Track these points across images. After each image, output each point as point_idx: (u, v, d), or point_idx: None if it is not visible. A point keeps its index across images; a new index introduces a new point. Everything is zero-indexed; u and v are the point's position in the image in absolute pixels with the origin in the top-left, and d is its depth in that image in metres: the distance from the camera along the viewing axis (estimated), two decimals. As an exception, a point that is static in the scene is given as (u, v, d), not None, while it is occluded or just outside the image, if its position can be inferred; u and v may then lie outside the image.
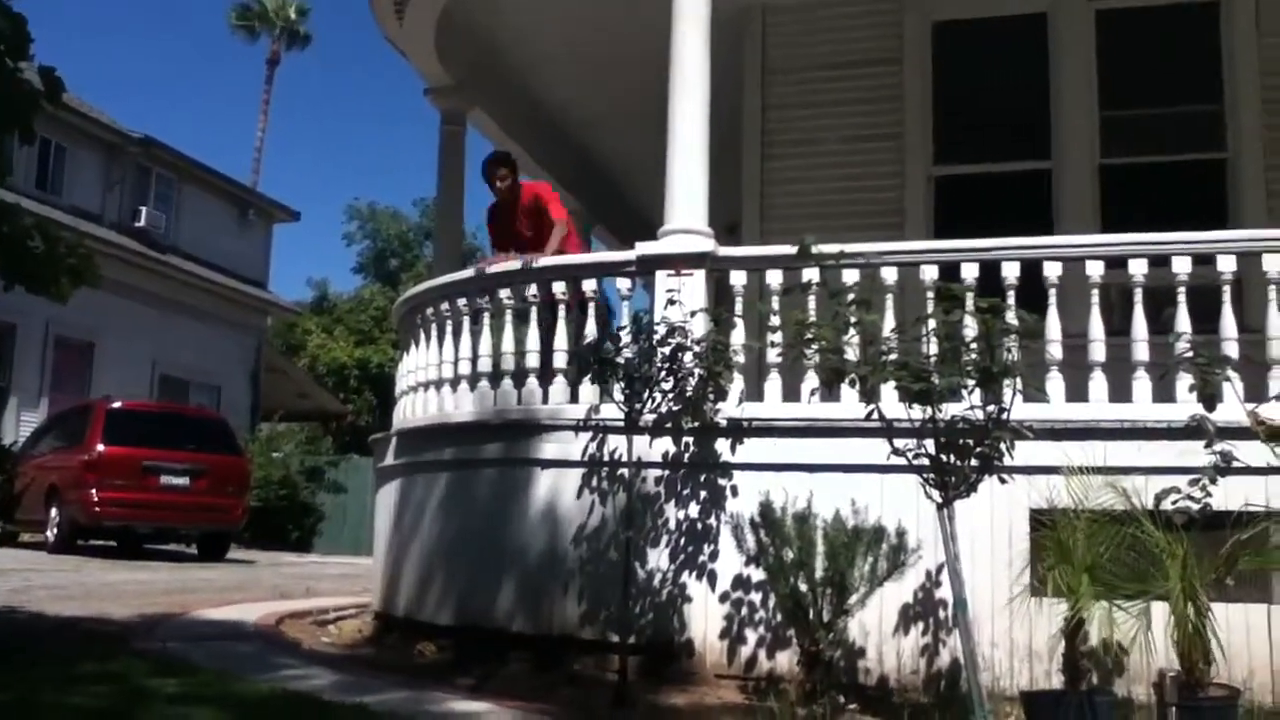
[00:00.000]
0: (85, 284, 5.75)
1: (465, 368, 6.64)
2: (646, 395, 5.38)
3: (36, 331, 19.45)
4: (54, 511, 14.53)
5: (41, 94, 5.18)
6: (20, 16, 4.93)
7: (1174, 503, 4.30)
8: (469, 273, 7.04)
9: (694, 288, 5.88)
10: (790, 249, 5.00)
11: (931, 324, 4.67)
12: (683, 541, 5.66)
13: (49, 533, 14.57)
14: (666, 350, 5.34)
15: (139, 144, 22.49)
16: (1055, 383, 5.38)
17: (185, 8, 71.37)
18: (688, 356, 5.38)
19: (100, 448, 14.37)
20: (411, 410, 7.23)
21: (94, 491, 14.04)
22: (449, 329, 6.83)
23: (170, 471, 14.78)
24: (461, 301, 6.74)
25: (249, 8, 41.22)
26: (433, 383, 6.94)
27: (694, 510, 5.67)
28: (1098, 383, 5.42)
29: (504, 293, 6.50)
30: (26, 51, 5.11)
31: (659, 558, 5.67)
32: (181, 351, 22.77)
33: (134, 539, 15.25)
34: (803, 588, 4.99)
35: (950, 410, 4.35)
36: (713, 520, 5.62)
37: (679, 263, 5.92)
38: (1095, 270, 5.51)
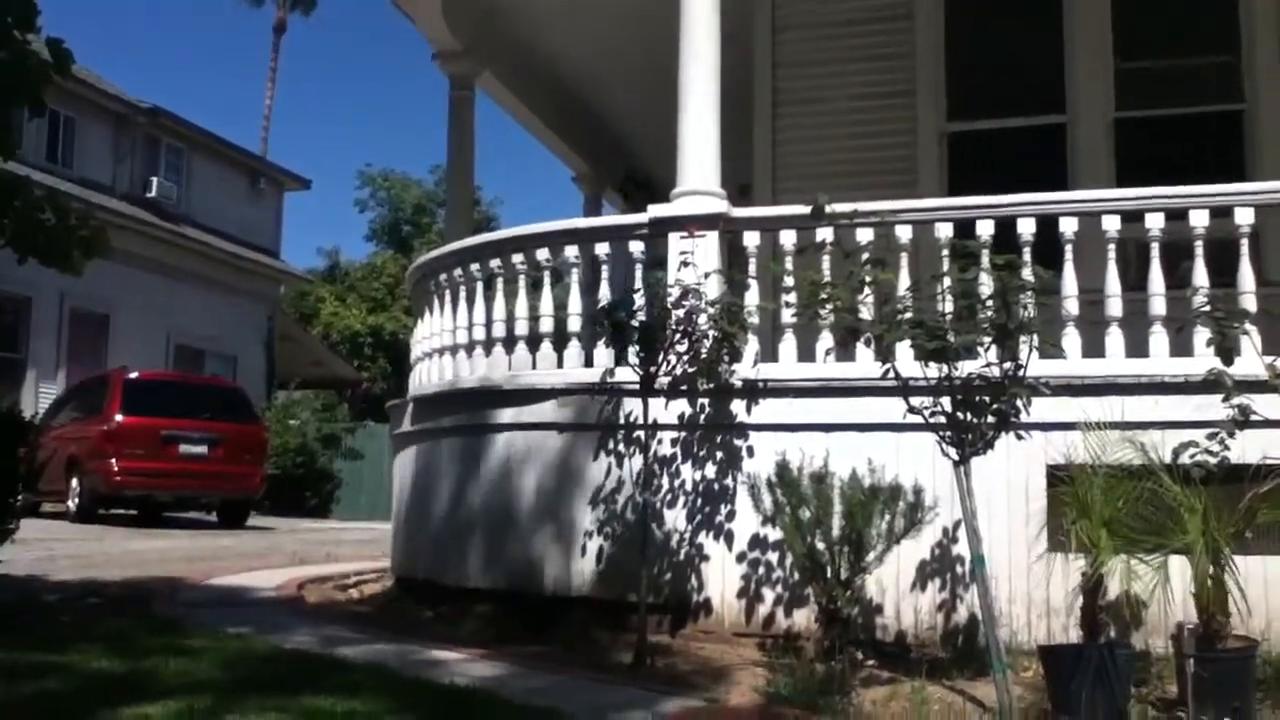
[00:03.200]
0: (97, 256, 5.78)
1: (480, 333, 6.65)
2: (661, 358, 5.38)
3: (52, 304, 19.52)
4: (75, 482, 14.68)
5: (50, 66, 5.19)
6: (27, -12, 4.93)
7: (1192, 457, 4.29)
8: (482, 238, 7.03)
9: (707, 249, 5.87)
10: (804, 209, 4.97)
11: (947, 282, 4.65)
12: (699, 502, 5.69)
13: (70, 503, 14.72)
14: (680, 313, 5.33)
15: (148, 114, 22.44)
16: (1072, 339, 5.37)
17: (189, -24, 70.92)
18: (702, 318, 5.37)
19: (119, 418, 14.49)
20: (427, 376, 7.26)
21: (114, 461, 14.18)
22: (463, 294, 6.83)
23: (188, 440, 14.91)
24: (475, 267, 6.74)
25: (254, -26, 40.87)
26: (447, 348, 6.96)
27: (710, 471, 5.69)
28: (1114, 338, 5.40)
29: (516, 257, 6.50)
30: (34, 24, 5.11)
31: (676, 518, 5.69)
32: (196, 321, 22.84)
33: (154, 507, 15.41)
34: (820, 546, 5.01)
35: (966, 368, 4.33)
36: (729, 481, 5.64)
37: (692, 224, 5.90)
38: (1111, 225, 5.48)
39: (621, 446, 5.85)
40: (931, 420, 4.41)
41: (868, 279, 4.63)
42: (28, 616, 5.57)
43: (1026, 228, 5.49)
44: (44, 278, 7.00)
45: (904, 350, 4.57)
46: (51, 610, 5.92)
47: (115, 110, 22.02)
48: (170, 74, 70.62)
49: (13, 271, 5.98)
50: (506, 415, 6.28)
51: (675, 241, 5.94)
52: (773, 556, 5.50)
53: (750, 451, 5.62)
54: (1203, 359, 4.72)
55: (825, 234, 5.48)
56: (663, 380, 5.47)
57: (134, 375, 15.48)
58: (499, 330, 6.54)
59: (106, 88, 22.10)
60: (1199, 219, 5.39)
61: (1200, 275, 5.24)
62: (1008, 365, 4.28)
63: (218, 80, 74.36)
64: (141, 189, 22.24)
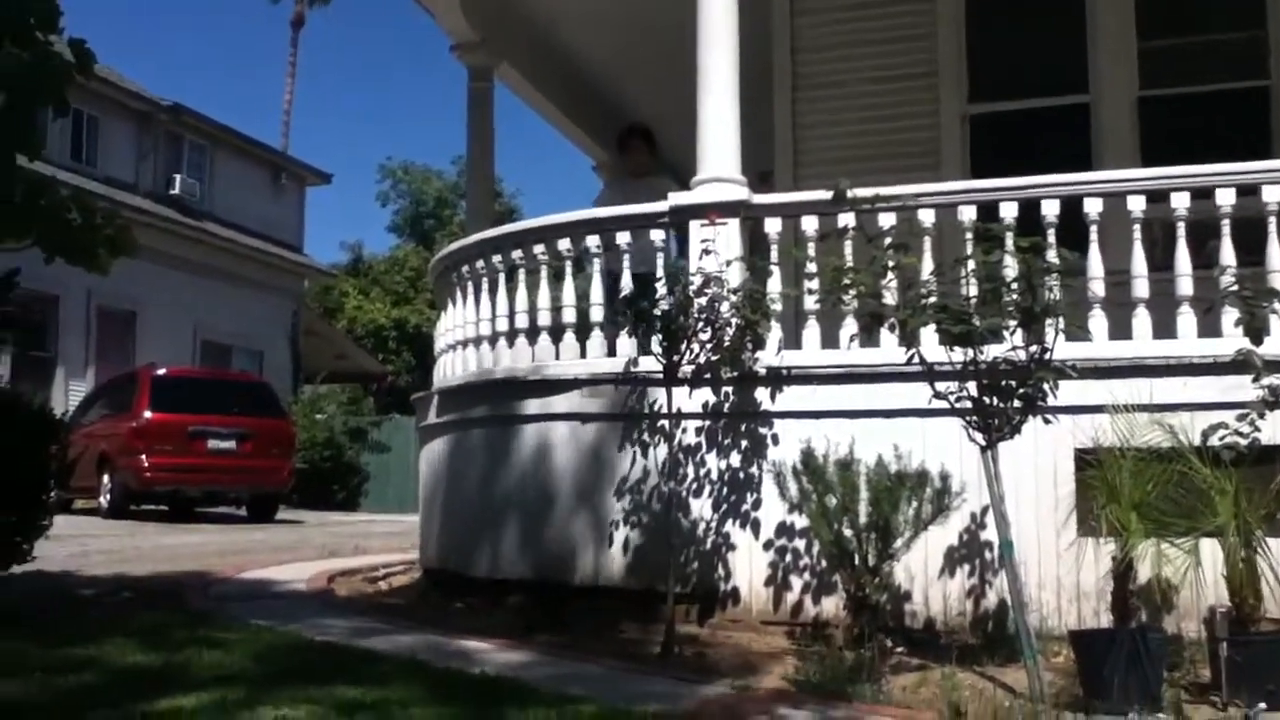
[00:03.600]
0: (123, 254, 5.81)
1: (503, 324, 6.66)
2: (684, 347, 5.38)
3: (79, 303, 19.71)
4: (106, 478, 14.84)
5: (73, 66, 5.22)
6: (50, -10, 4.96)
7: (1222, 438, 4.26)
8: (503, 229, 7.03)
9: (729, 237, 5.85)
10: (825, 194, 4.95)
11: (971, 265, 4.62)
12: (725, 491, 5.68)
13: (101, 499, 14.88)
14: (703, 301, 5.32)
15: (169, 112, 22.60)
16: (1098, 321, 5.32)
17: (208, -28, 71.23)
18: (724, 306, 5.36)
19: (148, 414, 14.63)
20: (451, 368, 7.28)
21: (144, 457, 14.33)
22: (485, 286, 6.84)
23: (217, 436, 15.04)
24: (497, 258, 6.75)
25: (271, -31, 40.98)
26: (471, 340, 6.97)
27: (735, 459, 5.68)
28: (1141, 319, 5.35)
29: (538, 248, 6.50)
30: (57, 24, 5.14)
31: (702, 507, 5.70)
32: (222, 317, 23.02)
33: (184, 503, 15.55)
34: (847, 533, 4.99)
35: (992, 352, 4.31)
36: (754, 469, 5.64)
37: (713, 212, 5.88)
38: (1137, 205, 5.42)
39: (646, 436, 5.85)
40: (957, 405, 4.38)
41: (891, 264, 4.61)
42: (63, 611, 5.64)
43: (1050, 209, 5.44)
44: (71, 276, 7.05)
45: (928, 335, 4.55)
46: (86, 604, 5.99)
47: (137, 108, 22.19)
48: (190, 71, 71.04)
49: (40, 270, 6.03)
50: (531, 406, 6.29)
51: (696, 229, 5.93)
52: (800, 544, 5.49)
53: (775, 439, 5.61)
54: (1231, 339, 4.67)
55: (847, 219, 5.45)
56: (686, 369, 5.46)
57: (162, 372, 15.62)
58: (522, 321, 6.55)
59: (129, 86, 22.26)
60: (1225, 197, 5.33)
61: (1228, 254, 5.18)
62: (1034, 348, 4.26)
63: (237, 76, 74.76)
64: (165, 186, 22.42)
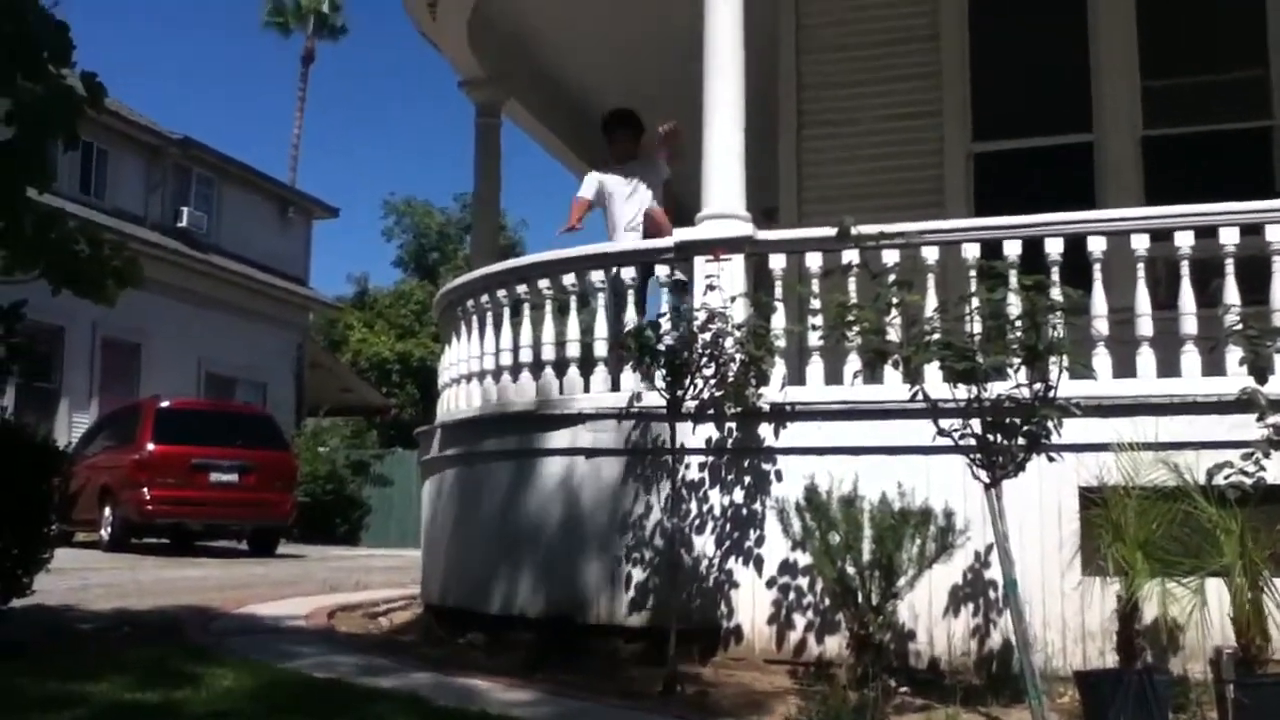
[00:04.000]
0: (130, 286, 5.83)
1: (506, 359, 6.66)
2: (688, 382, 5.37)
3: (84, 334, 19.75)
4: (107, 511, 14.79)
5: (85, 100, 5.26)
6: (64, 24, 5.00)
7: (1227, 477, 4.24)
8: (508, 264, 7.05)
9: (733, 272, 5.86)
10: (829, 230, 4.96)
11: (975, 302, 4.62)
12: (728, 527, 5.66)
13: (103, 532, 14.82)
14: (707, 336, 5.32)
15: (178, 145, 22.75)
16: (1102, 359, 5.31)
17: (217, 5, 71.98)
18: (728, 342, 5.36)
19: (151, 447, 14.60)
20: (454, 402, 7.28)
21: (146, 490, 14.28)
22: (490, 320, 6.85)
23: (220, 469, 15.00)
24: (501, 293, 6.76)
25: (282, 5, 41.33)
26: (475, 374, 6.97)
27: (739, 496, 5.66)
28: (1145, 358, 5.34)
29: (543, 282, 6.51)
30: (69, 58, 5.18)
31: (705, 544, 5.67)
32: (227, 350, 23.05)
33: (186, 536, 15.49)
34: (850, 571, 4.97)
35: (996, 389, 4.30)
36: (758, 505, 5.61)
37: (718, 248, 5.89)
38: (1140, 243, 5.43)
39: (650, 472, 5.83)
40: (961, 442, 4.37)
41: (895, 300, 4.61)
42: (62, 645, 5.60)
43: (1054, 247, 5.45)
44: (76, 308, 7.06)
45: (932, 372, 4.54)
46: (84, 639, 5.95)
47: (147, 141, 22.34)
48: (200, 104, 71.65)
49: (46, 302, 6.05)
50: (534, 441, 6.28)
51: (701, 265, 5.94)
52: (803, 582, 5.46)
53: (779, 476, 5.59)
54: (1236, 378, 4.66)
55: (851, 256, 5.46)
56: (690, 404, 5.46)
57: (165, 404, 15.60)
58: (526, 356, 6.55)
59: (138, 119, 22.43)
60: (1229, 236, 5.33)
61: (1232, 293, 5.19)
62: (1038, 386, 4.25)
63: (247, 109, 75.35)
64: (173, 219, 22.52)
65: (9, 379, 15.36)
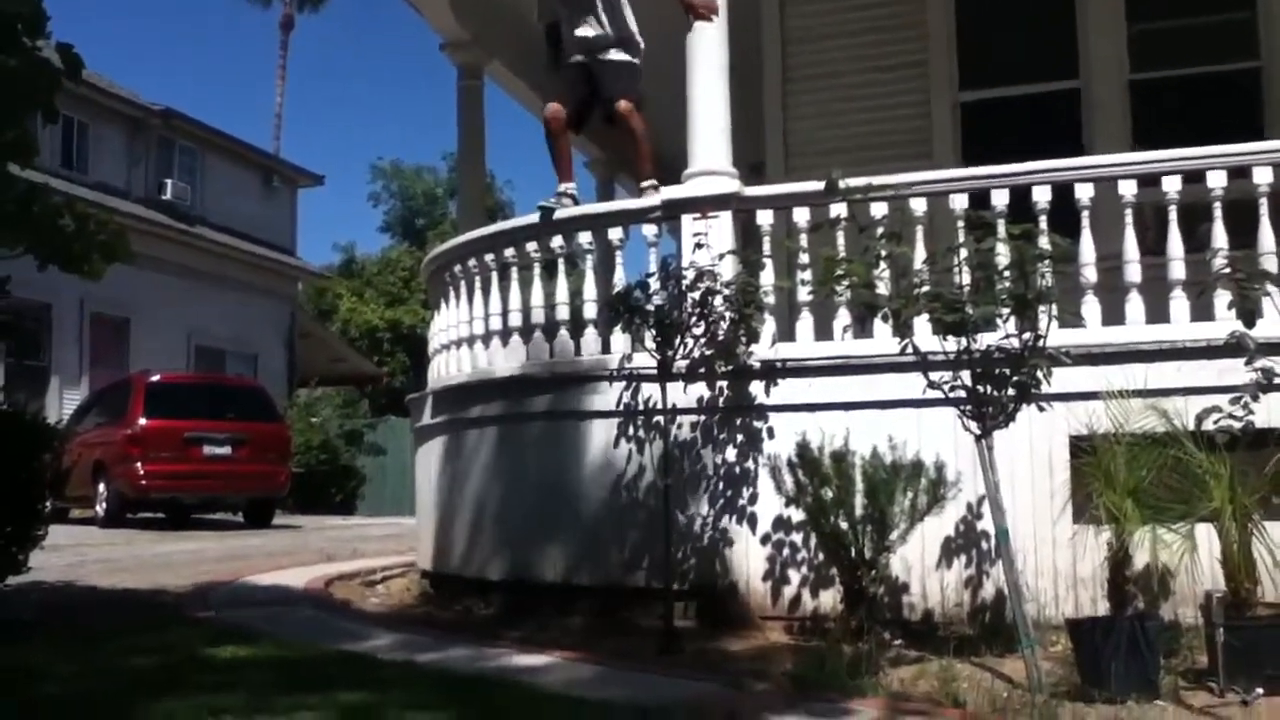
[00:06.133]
0: (117, 260, 5.79)
1: (496, 323, 6.64)
2: (678, 341, 5.36)
3: (72, 310, 19.66)
4: (102, 486, 14.78)
5: (62, 72, 5.19)
6: (37, -4, 4.94)
7: (1216, 422, 4.24)
8: (495, 227, 7.01)
9: (721, 230, 5.83)
10: (817, 185, 4.93)
11: (963, 253, 4.60)
12: (721, 486, 5.67)
13: (98, 507, 14.82)
14: (696, 295, 5.30)
15: (160, 116, 22.52)
16: (1091, 307, 5.31)
17: (196, -24, 71.03)
18: (718, 300, 5.34)
19: (143, 421, 14.57)
20: (445, 368, 7.26)
21: (139, 465, 14.28)
22: (478, 285, 6.82)
23: (212, 441, 14.98)
24: (489, 257, 6.72)
25: (258, -28, 40.75)
26: (464, 340, 6.95)
27: (731, 454, 5.67)
28: (1134, 304, 5.34)
29: (531, 245, 6.48)
30: (44, 29, 5.11)
31: (699, 503, 5.68)
32: (216, 322, 22.96)
33: (181, 509, 15.50)
34: (843, 526, 4.99)
35: (985, 340, 4.30)
36: (750, 463, 5.62)
37: (705, 205, 5.86)
38: (1128, 190, 5.41)
39: (642, 432, 5.83)
40: (951, 395, 4.37)
41: (883, 253, 4.59)
42: (59, 621, 5.61)
43: (1042, 195, 5.43)
44: (63, 284, 7.03)
45: (922, 325, 4.53)
46: (83, 614, 5.97)
47: (128, 114, 22.11)
48: (180, 76, 70.92)
49: (33, 278, 6.00)
50: (526, 404, 6.27)
51: (689, 223, 5.91)
52: (797, 538, 5.48)
53: (770, 433, 5.60)
54: (1224, 323, 4.66)
55: (839, 210, 5.43)
56: (680, 364, 5.45)
57: (156, 378, 15.55)
58: (515, 320, 6.52)
59: (119, 92, 22.19)
60: (1217, 180, 5.32)
61: (1220, 237, 5.17)
62: (1027, 336, 4.24)
63: (228, 80, 74.61)
64: (156, 191, 22.34)
65: (-2, 357, 15.32)
